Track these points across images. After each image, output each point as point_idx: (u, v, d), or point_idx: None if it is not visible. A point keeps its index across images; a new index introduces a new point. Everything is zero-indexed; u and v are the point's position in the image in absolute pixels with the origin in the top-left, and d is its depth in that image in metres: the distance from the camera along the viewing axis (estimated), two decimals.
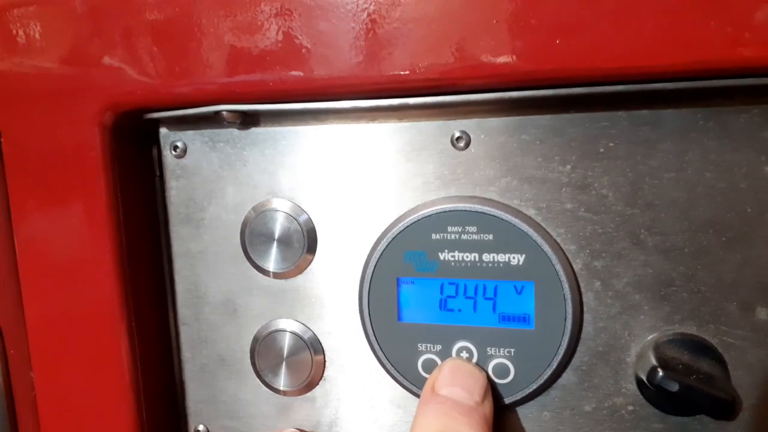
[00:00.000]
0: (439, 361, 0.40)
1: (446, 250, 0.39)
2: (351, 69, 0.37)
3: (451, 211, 0.39)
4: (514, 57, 0.34)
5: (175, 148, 0.45)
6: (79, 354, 0.45)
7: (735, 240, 0.36)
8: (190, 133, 0.44)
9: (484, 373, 0.39)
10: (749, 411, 0.36)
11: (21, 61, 0.42)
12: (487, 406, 0.37)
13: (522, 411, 0.40)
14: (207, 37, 0.39)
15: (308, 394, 0.44)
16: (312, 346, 0.43)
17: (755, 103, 0.35)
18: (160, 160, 0.46)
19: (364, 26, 0.36)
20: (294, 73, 0.38)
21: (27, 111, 0.43)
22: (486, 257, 0.38)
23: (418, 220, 0.39)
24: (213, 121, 0.42)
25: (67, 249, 0.44)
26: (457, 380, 0.37)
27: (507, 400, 0.39)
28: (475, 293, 0.39)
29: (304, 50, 0.37)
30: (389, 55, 0.36)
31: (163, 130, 0.45)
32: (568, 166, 0.38)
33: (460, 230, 0.39)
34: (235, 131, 0.43)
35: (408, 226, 0.39)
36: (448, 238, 0.39)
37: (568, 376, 0.39)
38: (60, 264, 0.44)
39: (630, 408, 0.38)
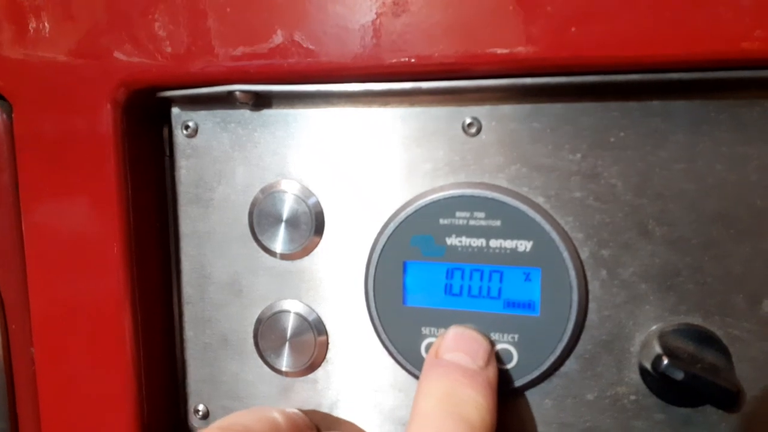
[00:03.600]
0: None
1: (454, 235, 0.39)
2: (364, 52, 0.37)
3: (459, 196, 0.39)
4: (529, 43, 0.35)
5: (187, 127, 0.45)
6: (81, 330, 0.45)
7: (743, 233, 0.36)
8: (202, 113, 0.44)
9: (487, 339, 0.38)
10: (752, 404, 0.36)
11: (35, 36, 0.42)
12: (491, 371, 0.37)
13: (523, 398, 0.40)
14: (222, 16, 0.39)
15: (310, 376, 0.44)
16: (316, 328, 0.43)
17: None
18: (170, 140, 0.46)
19: (379, 9, 0.36)
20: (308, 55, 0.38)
21: (40, 86, 0.43)
22: (493, 243, 0.38)
23: (427, 204, 0.39)
24: (225, 101, 0.42)
25: (75, 225, 0.44)
26: (460, 345, 0.37)
27: (509, 387, 0.39)
28: (482, 278, 0.39)
29: (318, 32, 0.37)
30: (403, 39, 0.36)
31: (175, 110, 0.45)
32: (579, 155, 0.38)
33: (468, 216, 0.39)
34: (246, 112, 0.43)
35: (416, 211, 0.40)
36: (456, 223, 0.39)
37: (570, 364, 0.39)
38: (66, 240, 0.44)
39: (632, 398, 0.38)
